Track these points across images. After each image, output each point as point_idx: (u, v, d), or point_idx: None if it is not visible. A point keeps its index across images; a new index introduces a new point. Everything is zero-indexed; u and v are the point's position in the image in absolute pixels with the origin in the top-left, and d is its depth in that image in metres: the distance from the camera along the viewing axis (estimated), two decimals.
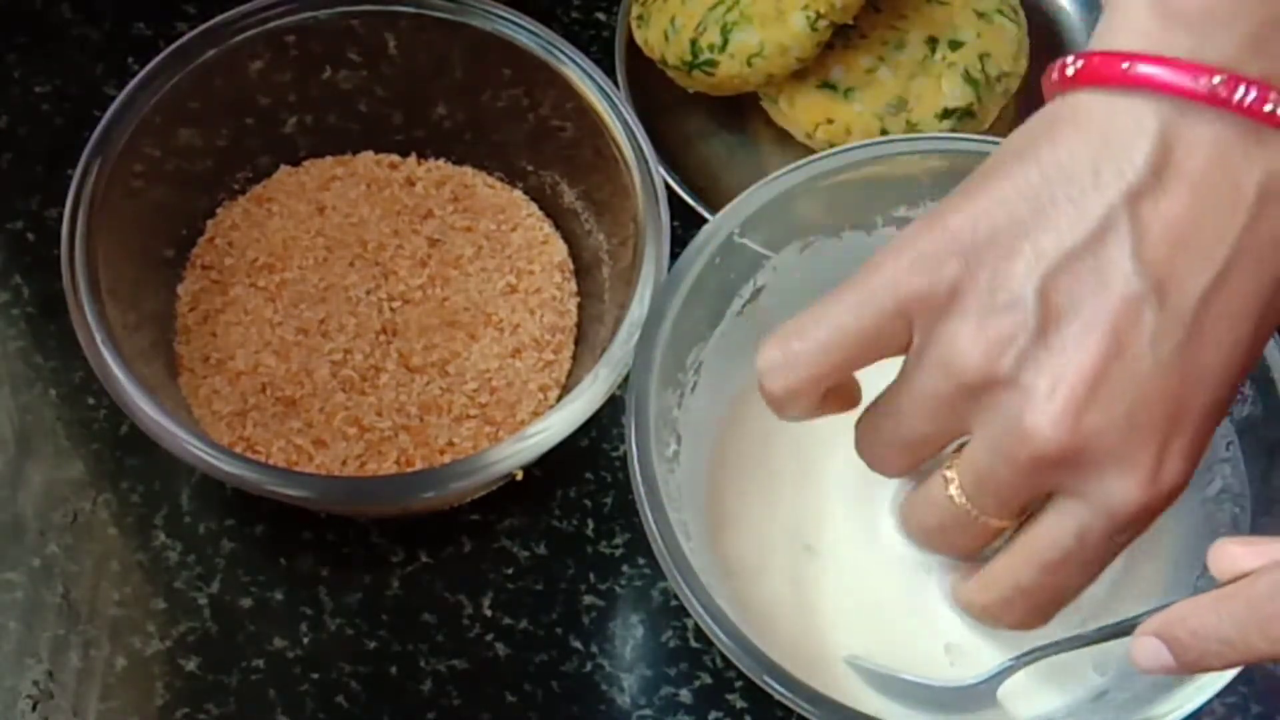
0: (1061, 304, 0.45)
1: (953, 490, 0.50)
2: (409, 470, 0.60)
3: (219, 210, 0.65)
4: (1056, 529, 0.48)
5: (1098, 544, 0.48)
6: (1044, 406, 0.45)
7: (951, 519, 0.50)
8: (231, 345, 0.62)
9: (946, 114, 0.66)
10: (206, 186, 0.65)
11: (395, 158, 0.66)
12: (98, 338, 0.56)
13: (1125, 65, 0.45)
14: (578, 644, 0.60)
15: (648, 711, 0.60)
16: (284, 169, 0.66)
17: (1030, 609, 0.51)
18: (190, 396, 0.61)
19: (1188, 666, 0.46)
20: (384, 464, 0.60)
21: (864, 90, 0.66)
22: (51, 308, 0.63)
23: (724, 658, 0.52)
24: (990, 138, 0.59)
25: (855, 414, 0.53)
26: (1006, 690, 0.54)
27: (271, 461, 0.59)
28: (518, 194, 0.66)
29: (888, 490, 0.56)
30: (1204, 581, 0.54)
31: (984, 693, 0.54)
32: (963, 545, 0.51)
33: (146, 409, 0.55)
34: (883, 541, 0.56)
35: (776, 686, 0.50)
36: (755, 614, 0.55)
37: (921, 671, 0.55)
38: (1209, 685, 0.51)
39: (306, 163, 0.66)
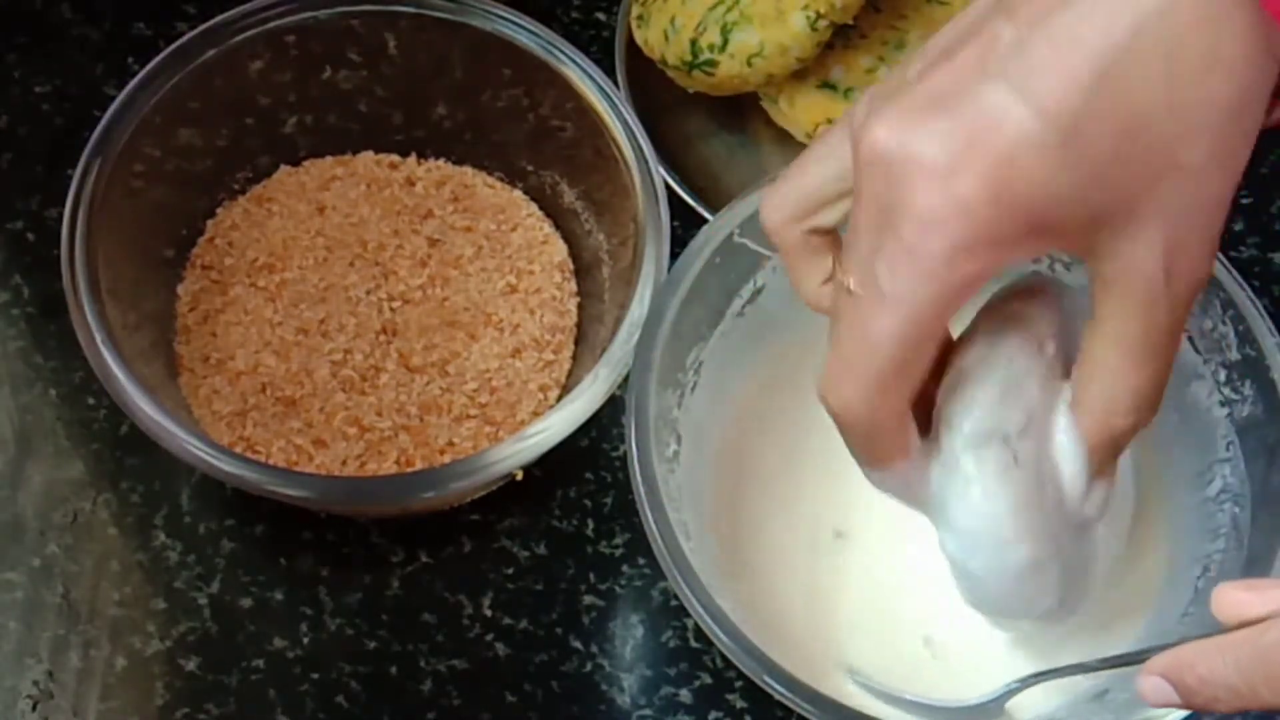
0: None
1: (848, 281, 0.46)
2: (409, 470, 0.60)
3: (219, 210, 0.65)
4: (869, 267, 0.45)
5: (897, 268, 0.44)
6: (861, 133, 0.44)
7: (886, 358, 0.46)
8: (231, 345, 0.62)
9: None
10: (206, 186, 0.65)
11: (395, 158, 0.66)
12: (98, 338, 0.56)
13: None
14: (578, 644, 0.60)
15: (648, 711, 0.60)
16: (284, 169, 0.66)
17: (862, 381, 0.47)
18: (190, 396, 0.61)
19: (1195, 708, 0.46)
20: (384, 464, 0.60)
21: (864, 90, 0.66)
22: (51, 308, 0.63)
23: (724, 658, 0.52)
24: None
25: None
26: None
27: (271, 461, 0.59)
28: (518, 194, 0.66)
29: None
30: (1204, 582, 0.55)
31: (990, 711, 0.54)
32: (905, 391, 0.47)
33: (146, 409, 0.55)
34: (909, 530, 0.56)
35: (776, 686, 0.50)
36: (762, 608, 0.56)
37: (933, 656, 0.55)
38: None
39: (306, 163, 0.66)
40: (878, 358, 0.46)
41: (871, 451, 0.49)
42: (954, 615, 0.56)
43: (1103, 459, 0.50)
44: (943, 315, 0.46)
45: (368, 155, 0.66)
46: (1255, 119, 0.44)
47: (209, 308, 0.63)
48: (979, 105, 0.43)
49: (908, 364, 0.46)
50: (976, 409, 0.48)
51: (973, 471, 0.48)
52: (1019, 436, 0.48)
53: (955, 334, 0.50)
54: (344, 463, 0.60)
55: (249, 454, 0.59)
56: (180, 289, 0.63)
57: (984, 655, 0.57)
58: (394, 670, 0.60)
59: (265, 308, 0.63)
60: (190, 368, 0.62)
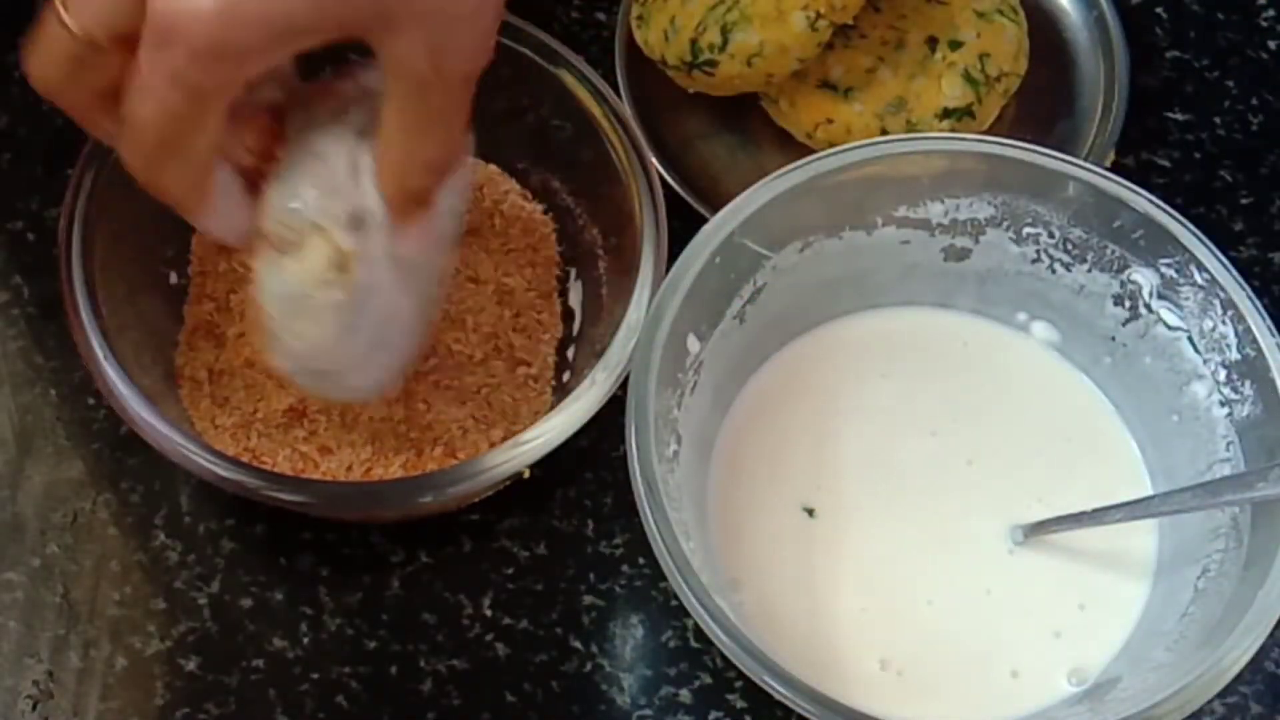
0: None
1: (61, 13, 0.49)
2: (409, 476, 0.60)
3: None
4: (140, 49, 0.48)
5: (151, 60, 0.47)
6: None
7: (62, 49, 0.50)
8: (231, 353, 0.62)
9: (946, 114, 0.66)
10: None
11: None
12: (94, 341, 0.56)
13: None
14: (578, 644, 0.60)
15: (648, 711, 0.60)
16: None
17: (137, 149, 0.50)
18: (192, 408, 0.61)
19: None
20: (390, 469, 0.60)
21: (864, 90, 0.66)
22: (51, 308, 0.63)
23: (724, 658, 0.52)
24: (990, 138, 0.59)
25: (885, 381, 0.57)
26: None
27: (277, 470, 0.59)
28: (516, 194, 0.66)
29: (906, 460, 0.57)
30: (1204, 582, 0.55)
31: None
32: (93, 84, 0.51)
33: (146, 416, 0.55)
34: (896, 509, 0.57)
35: (776, 686, 0.50)
36: (761, 608, 0.56)
37: (933, 638, 0.56)
38: (1210, 685, 0.51)
39: None
40: (143, 140, 0.49)
41: (174, 206, 0.52)
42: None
43: (403, 211, 0.53)
44: (201, 109, 0.48)
45: None
46: None
47: (209, 313, 0.63)
48: None
49: (175, 145, 0.49)
50: (278, 197, 0.52)
51: (272, 256, 0.53)
52: (327, 213, 0.52)
53: None
54: (349, 469, 0.60)
55: (255, 464, 0.59)
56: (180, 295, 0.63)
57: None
58: (394, 670, 0.60)
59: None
60: (190, 375, 0.61)
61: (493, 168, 0.66)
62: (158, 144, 0.49)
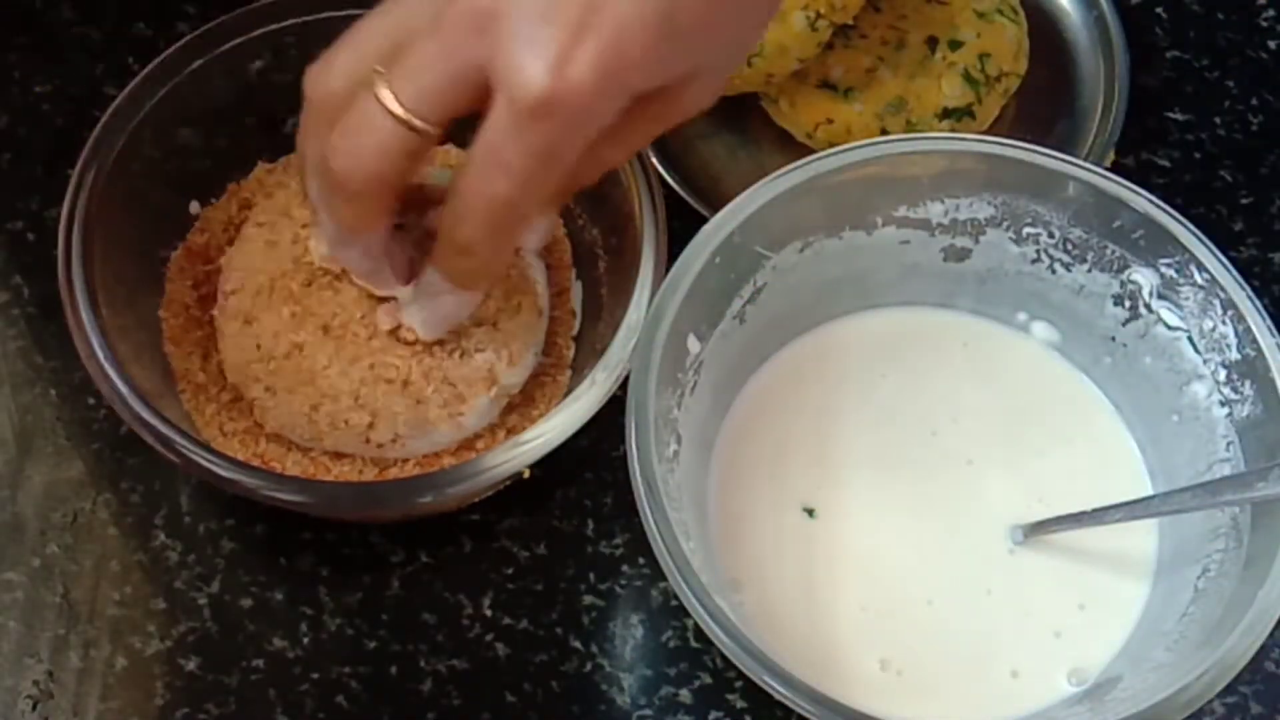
0: None
1: (385, 98, 0.49)
2: (409, 476, 0.60)
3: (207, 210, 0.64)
4: (479, 131, 0.48)
5: (507, 136, 0.47)
6: None
7: (388, 137, 0.49)
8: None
9: (946, 114, 0.66)
10: (206, 187, 0.64)
11: None
12: (93, 341, 0.56)
13: None
14: (578, 644, 0.60)
15: (648, 711, 0.60)
16: (262, 166, 0.65)
17: (486, 226, 0.51)
18: (198, 415, 0.60)
19: None
20: (405, 467, 0.60)
21: (864, 90, 0.66)
22: (51, 308, 0.63)
23: (724, 658, 0.52)
24: (990, 138, 0.59)
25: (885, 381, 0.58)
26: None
27: (287, 473, 0.59)
28: None
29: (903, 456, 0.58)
30: (1204, 582, 0.55)
31: None
32: (391, 173, 0.51)
33: (146, 416, 0.55)
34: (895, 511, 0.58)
35: (776, 686, 0.50)
36: (761, 607, 0.56)
37: (930, 636, 0.56)
38: (1210, 685, 0.51)
39: None
40: (497, 216, 0.50)
41: (469, 281, 0.55)
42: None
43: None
44: (553, 173, 0.49)
45: None
46: None
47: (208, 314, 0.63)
48: None
49: (522, 217, 0.50)
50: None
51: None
52: None
53: None
54: (360, 473, 0.59)
55: (265, 469, 0.59)
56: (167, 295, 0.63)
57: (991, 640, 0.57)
58: (394, 670, 0.60)
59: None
60: (193, 381, 0.61)
61: None
62: (507, 219, 0.50)
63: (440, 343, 0.59)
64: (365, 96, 0.49)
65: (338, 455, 0.60)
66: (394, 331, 0.58)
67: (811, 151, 0.60)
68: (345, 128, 0.50)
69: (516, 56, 0.46)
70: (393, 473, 0.59)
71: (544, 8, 0.46)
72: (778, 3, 0.51)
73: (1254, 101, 0.73)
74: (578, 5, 0.46)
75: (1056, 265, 0.60)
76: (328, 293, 0.59)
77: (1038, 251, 0.60)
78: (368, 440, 0.58)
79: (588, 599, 0.61)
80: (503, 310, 0.60)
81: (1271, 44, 0.75)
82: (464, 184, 0.49)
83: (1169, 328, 0.58)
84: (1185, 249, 0.56)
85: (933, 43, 0.67)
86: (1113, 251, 0.58)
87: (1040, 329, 0.62)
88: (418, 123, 0.49)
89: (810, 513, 0.59)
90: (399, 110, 0.48)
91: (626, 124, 0.50)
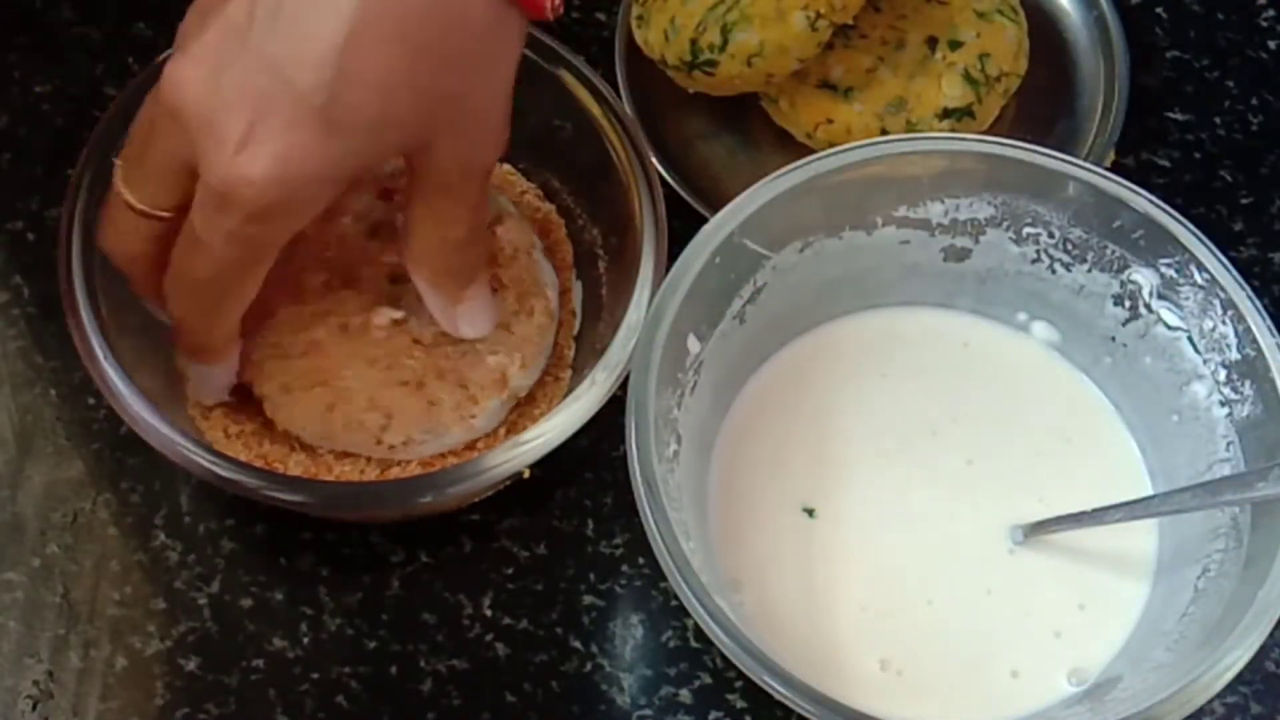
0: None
1: (123, 192, 0.53)
2: (409, 476, 0.59)
3: None
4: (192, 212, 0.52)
5: (204, 220, 0.51)
6: (167, 69, 0.50)
7: (129, 225, 0.54)
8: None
9: (946, 114, 0.66)
10: None
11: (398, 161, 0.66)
12: (93, 340, 0.56)
13: None
14: (578, 644, 0.60)
15: (648, 711, 0.60)
16: None
17: (189, 302, 0.54)
18: (201, 417, 0.60)
19: None
20: (409, 467, 0.60)
21: (864, 90, 0.66)
22: (51, 308, 0.63)
23: (724, 658, 0.52)
24: (990, 138, 0.59)
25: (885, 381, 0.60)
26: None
27: (289, 474, 0.59)
28: (515, 196, 0.66)
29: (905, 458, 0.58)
30: (1204, 582, 0.55)
31: None
32: (151, 251, 0.54)
33: (146, 416, 0.55)
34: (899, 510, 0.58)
35: (776, 686, 0.50)
36: (761, 607, 0.56)
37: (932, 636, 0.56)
38: (1210, 685, 0.51)
39: None
40: (199, 289, 0.53)
41: (197, 354, 0.57)
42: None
43: (449, 290, 0.57)
44: (254, 261, 0.52)
45: None
46: (508, 33, 0.52)
47: None
48: (252, 79, 0.48)
49: (226, 293, 0.53)
50: None
51: None
52: None
53: None
54: (362, 473, 0.59)
55: (266, 469, 0.59)
56: None
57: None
58: (394, 670, 0.60)
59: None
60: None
61: (507, 168, 0.66)
62: (211, 294, 0.53)
63: (454, 344, 0.59)
64: (114, 189, 0.54)
65: (339, 455, 0.60)
66: (400, 324, 0.58)
67: (811, 151, 0.60)
68: (105, 214, 0.55)
69: (201, 148, 0.49)
70: (394, 472, 0.59)
71: (221, 104, 0.49)
72: (487, 64, 0.52)
73: (1254, 101, 0.73)
74: (248, 98, 0.48)
75: (1056, 265, 0.60)
76: (348, 291, 0.59)
77: (1038, 251, 0.60)
78: (379, 441, 0.58)
79: (588, 599, 0.61)
80: (516, 314, 0.60)
81: (1271, 44, 0.75)
82: (173, 261, 0.53)
83: (1169, 328, 0.58)
84: (1185, 249, 0.56)
85: (933, 43, 0.67)
86: (1113, 251, 0.58)
87: (1040, 329, 0.62)
88: (152, 211, 0.53)
89: (810, 513, 0.59)
90: (133, 202, 0.53)
91: (420, 198, 0.54)
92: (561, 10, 0.52)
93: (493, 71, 0.52)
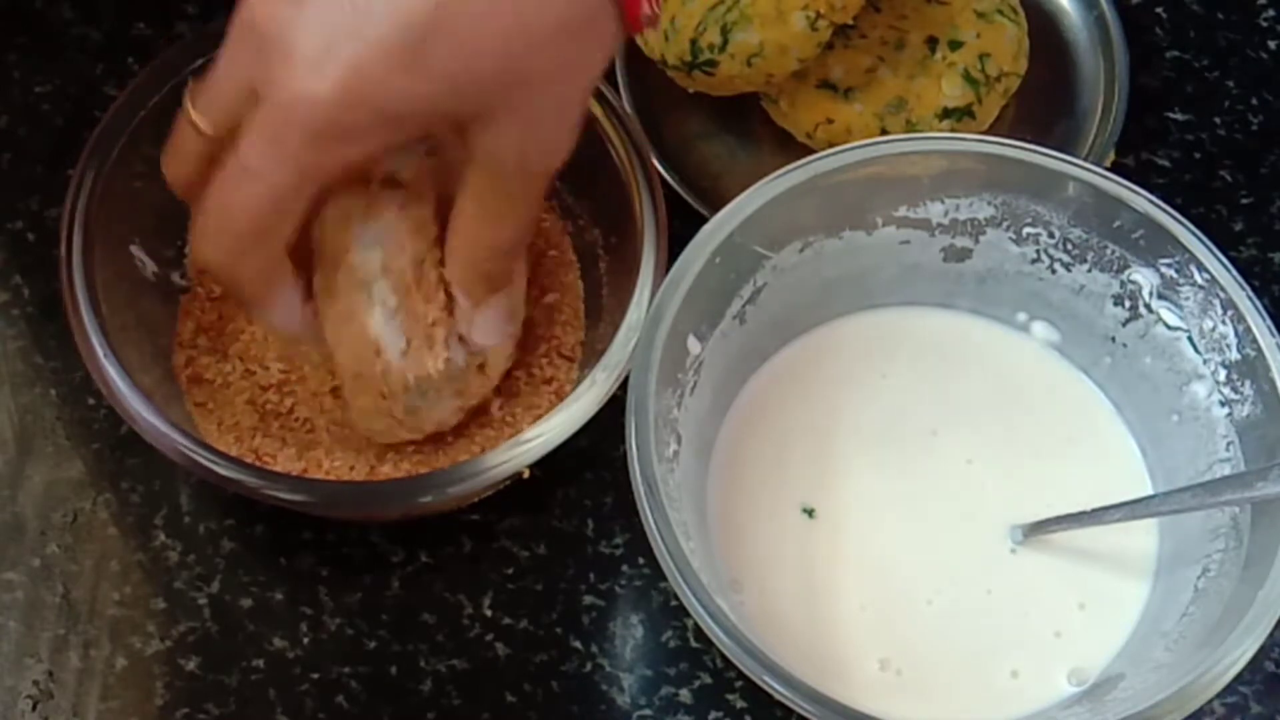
0: None
1: (186, 106, 0.52)
2: (409, 476, 0.60)
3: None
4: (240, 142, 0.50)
5: (255, 142, 0.49)
6: None
7: (184, 140, 0.53)
8: (233, 353, 0.62)
9: (946, 114, 0.66)
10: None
11: None
12: (94, 340, 0.56)
13: None
14: (578, 644, 0.60)
15: (648, 711, 0.60)
16: None
17: (227, 238, 0.52)
18: (195, 411, 0.61)
19: None
20: (399, 467, 0.60)
21: (864, 90, 0.66)
22: (51, 308, 0.63)
23: (724, 658, 0.52)
24: (990, 138, 0.59)
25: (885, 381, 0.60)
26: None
27: (279, 469, 0.59)
28: None
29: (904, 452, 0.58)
30: (1204, 582, 0.55)
31: None
32: (190, 173, 0.53)
33: (146, 416, 0.55)
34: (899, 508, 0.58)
35: (776, 686, 0.50)
36: (761, 607, 0.56)
37: (930, 632, 0.56)
38: (1210, 685, 0.51)
39: None
40: (236, 225, 0.51)
41: (242, 297, 0.54)
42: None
43: (475, 293, 0.56)
44: (301, 192, 0.51)
45: None
46: (603, 35, 0.51)
47: (210, 314, 0.63)
48: (339, 8, 0.48)
49: (266, 232, 0.51)
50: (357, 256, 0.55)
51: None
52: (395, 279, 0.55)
53: None
54: (352, 469, 0.59)
55: (258, 464, 0.59)
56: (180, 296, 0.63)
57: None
58: (394, 670, 0.60)
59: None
60: (190, 376, 0.61)
61: None
62: (250, 230, 0.51)
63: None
64: (183, 106, 0.53)
65: (331, 451, 0.60)
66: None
67: (811, 151, 0.60)
68: (171, 136, 0.54)
69: (269, 67, 0.49)
70: (385, 470, 0.59)
71: (300, 25, 0.48)
72: (578, 60, 0.51)
73: (1254, 101, 0.73)
74: (330, 25, 0.48)
75: (1056, 265, 0.60)
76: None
77: (1038, 251, 0.60)
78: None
79: (588, 599, 0.61)
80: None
81: (1271, 44, 0.75)
82: (209, 198, 0.52)
83: (1169, 328, 0.58)
84: (1185, 249, 0.56)
85: (933, 43, 0.67)
86: (1113, 251, 0.58)
87: (1040, 329, 0.62)
88: (202, 124, 0.52)
89: (810, 513, 0.59)
90: (196, 120, 0.52)
91: (473, 192, 0.53)
92: (649, 27, 0.51)
93: (580, 69, 0.51)
